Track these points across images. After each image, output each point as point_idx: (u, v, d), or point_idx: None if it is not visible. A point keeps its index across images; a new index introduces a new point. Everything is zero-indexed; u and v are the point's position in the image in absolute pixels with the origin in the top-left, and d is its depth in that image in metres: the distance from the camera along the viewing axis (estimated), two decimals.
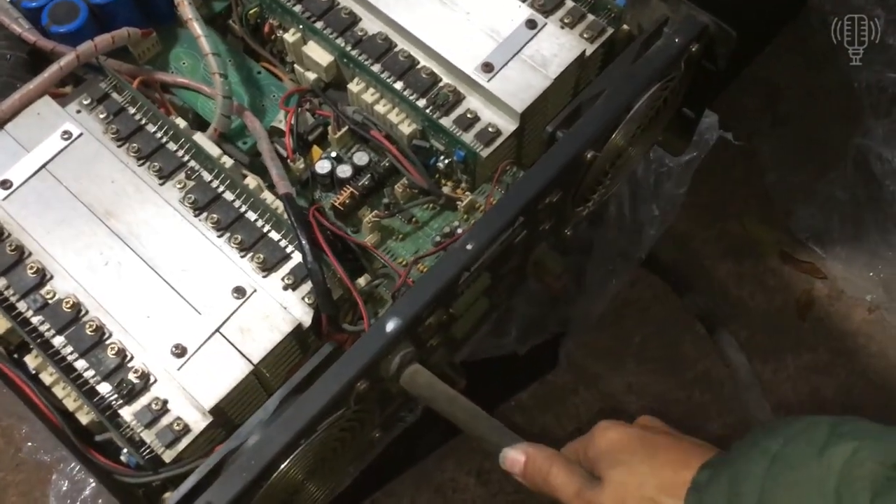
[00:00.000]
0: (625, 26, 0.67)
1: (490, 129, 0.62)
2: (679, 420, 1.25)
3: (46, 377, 0.57)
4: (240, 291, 0.57)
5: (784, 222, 1.41)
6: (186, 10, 0.65)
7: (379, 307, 0.61)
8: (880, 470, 0.39)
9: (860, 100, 1.29)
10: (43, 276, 0.58)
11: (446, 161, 0.63)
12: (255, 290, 0.57)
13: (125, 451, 0.55)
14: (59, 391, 0.57)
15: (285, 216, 0.59)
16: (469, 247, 0.56)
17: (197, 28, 0.64)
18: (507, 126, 0.62)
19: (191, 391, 0.54)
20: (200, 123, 0.67)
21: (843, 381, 1.33)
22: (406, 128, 0.63)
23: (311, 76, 0.68)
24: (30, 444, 0.90)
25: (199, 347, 0.55)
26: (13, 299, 0.57)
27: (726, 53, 0.64)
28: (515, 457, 0.52)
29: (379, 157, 0.64)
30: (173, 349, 0.55)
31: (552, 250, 0.65)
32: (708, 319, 1.32)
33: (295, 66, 0.69)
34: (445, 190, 0.64)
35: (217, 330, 0.56)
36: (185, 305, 0.57)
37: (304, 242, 0.57)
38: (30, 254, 0.59)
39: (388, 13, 0.65)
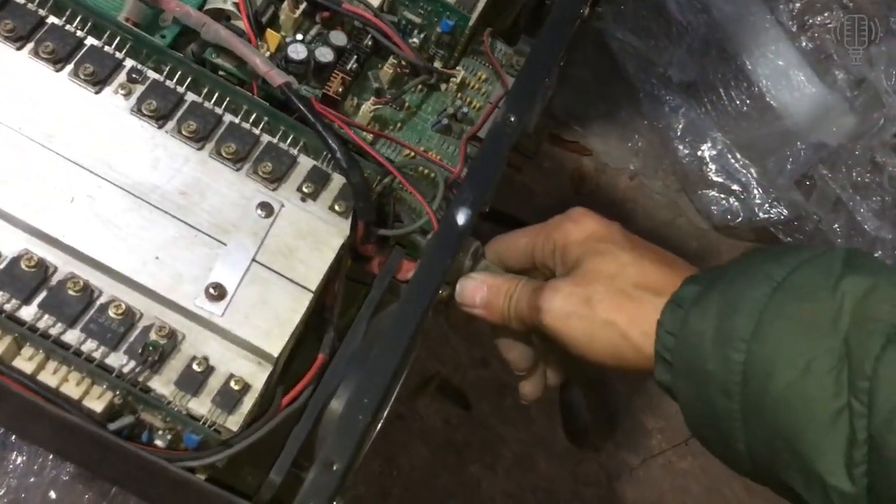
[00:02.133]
0: None
1: None
2: None
3: (22, 363, 0.41)
4: (266, 208, 0.45)
5: (547, 107, 1.46)
6: None
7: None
8: None
9: None
10: None
11: (421, 36, 0.55)
12: (282, 205, 0.46)
13: (159, 433, 0.42)
14: (47, 377, 0.41)
15: (270, 112, 0.48)
16: (512, 118, 0.50)
17: None
18: None
19: (244, 337, 0.43)
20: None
21: None
22: None
23: None
24: None
25: (239, 284, 0.43)
26: None
27: None
28: (475, 286, 0.46)
29: (354, 36, 0.54)
30: (210, 291, 0.42)
31: None
32: None
33: None
34: None
35: (253, 259, 0.44)
36: (201, 237, 0.44)
37: (330, 140, 0.46)
38: None
39: None
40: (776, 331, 0.35)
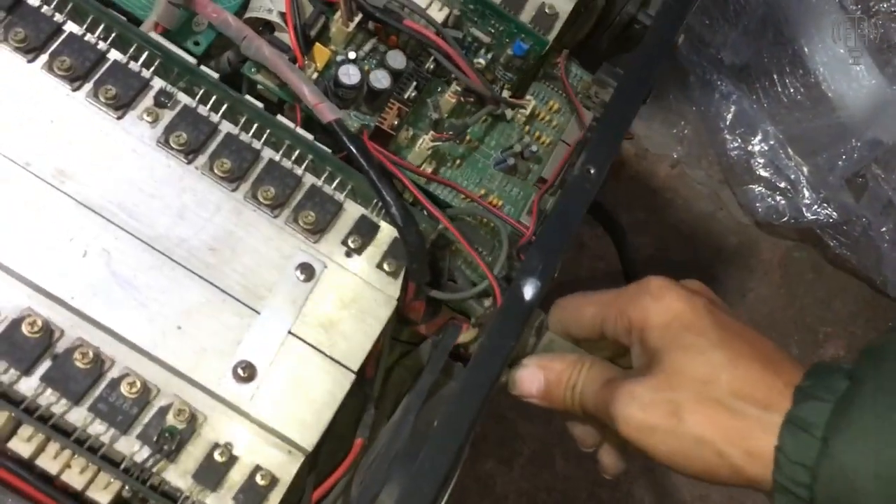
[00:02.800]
0: None
1: (547, 11, 0.48)
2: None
3: (19, 445, 0.35)
4: (306, 270, 0.39)
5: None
6: None
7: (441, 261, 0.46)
8: None
9: None
10: None
11: (488, 56, 0.48)
12: (325, 266, 0.40)
13: None
14: (47, 461, 0.36)
15: (317, 150, 0.41)
16: (592, 171, 0.43)
17: None
18: (565, 3, 0.49)
19: (274, 427, 0.37)
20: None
21: (657, 236, 1.38)
22: (437, 13, 0.47)
23: None
24: None
25: (272, 362, 0.37)
26: None
27: None
28: (532, 374, 0.40)
29: (414, 57, 0.47)
30: (239, 371, 0.37)
31: None
32: None
33: None
34: None
35: (290, 331, 0.38)
36: (232, 303, 0.38)
37: (385, 192, 0.40)
38: None
39: None
40: None
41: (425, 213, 0.43)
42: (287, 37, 0.44)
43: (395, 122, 0.45)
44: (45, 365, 0.36)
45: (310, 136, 0.42)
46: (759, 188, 1.35)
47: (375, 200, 0.42)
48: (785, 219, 1.33)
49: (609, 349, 0.41)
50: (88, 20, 0.40)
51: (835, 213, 1.32)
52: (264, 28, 0.45)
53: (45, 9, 0.40)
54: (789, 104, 1.37)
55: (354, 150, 0.40)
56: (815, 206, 1.33)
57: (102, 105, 0.39)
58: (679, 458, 0.36)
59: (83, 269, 0.37)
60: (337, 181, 0.42)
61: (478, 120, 0.47)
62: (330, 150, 0.42)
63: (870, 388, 0.33)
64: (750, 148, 1.34)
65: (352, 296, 0.40)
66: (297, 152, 0.41)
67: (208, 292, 0.38)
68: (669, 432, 0.36)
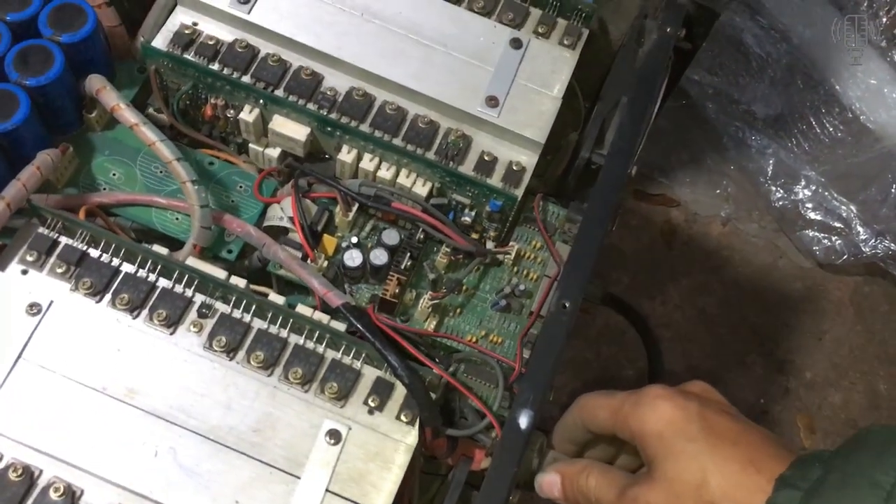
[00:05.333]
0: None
1: (515, 168, 0.56)
2: (595, 377, 1.28)
3: None
4: (335, 436, 0.47)
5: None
6: (128, 115, 0.52)
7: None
8: None
9: None
10: (73, 497, 0.45)
11: (472, 213, 0.57)
12: (350, 428, 0.48)
13: None
14: None
15: (332, 330, 0.50)
16: (567, 305, 0.50)
17: (149, 133, 0.52)
18: (529, 159, 0.57)
19: None
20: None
21: (721, 295, 1.41)
22: (421, 188, 0.56)
23: (273, 153, 0.58)
24: None
25: None
26: None
27: (705, 32, 0.63)
28: (551, 479, 0.47)
29: (406, 230, 0.55)
30: None
31: None
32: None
33: (250, 145, 0.58)
34: None
35: (327, 489, 0.46)
36: (277, 473, 0.46)
37: (390, 357, 0.48)
38: (40, 472, 0.45)
39: (357, 63, 0.57)
40: None
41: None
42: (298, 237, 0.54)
43: (397, 291, 0.53)
44: None
45: (325, 320, 0.51)
46: (813, 232, 1.37)
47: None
48: (845, 257, 1.35)
49: (609, 452, 0.47)
50: (138, 259, 0.50)
51: (893, 245, 1.33)
52: (280, 233, 0.55)
53: (104, 257, 0.50)
54: (831, 143, 1.39)
55: (360, 328, 0.49)
56: (872, 241, 1.35)
57: (157, 326, 0.49)
58: None
59: (157, 467, 0.46)
60: (353, 351, 0.50)
61: (469, 272, 0.55)
62: (343, 329, 0.50)
63: (837, 477, 0.36)
64: (794, 196, 1.37)
65: (375, 450, 0.48)
66: (317, 333, 0.50)
67: (257, 468, 0.46)
68: None
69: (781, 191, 1.37)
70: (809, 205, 1.37)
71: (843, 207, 1.36)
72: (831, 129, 1.40)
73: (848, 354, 1.36)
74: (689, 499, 0.40)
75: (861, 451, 0.37)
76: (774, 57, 1.42)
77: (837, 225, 1.36)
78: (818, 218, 1.37)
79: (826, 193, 1.36)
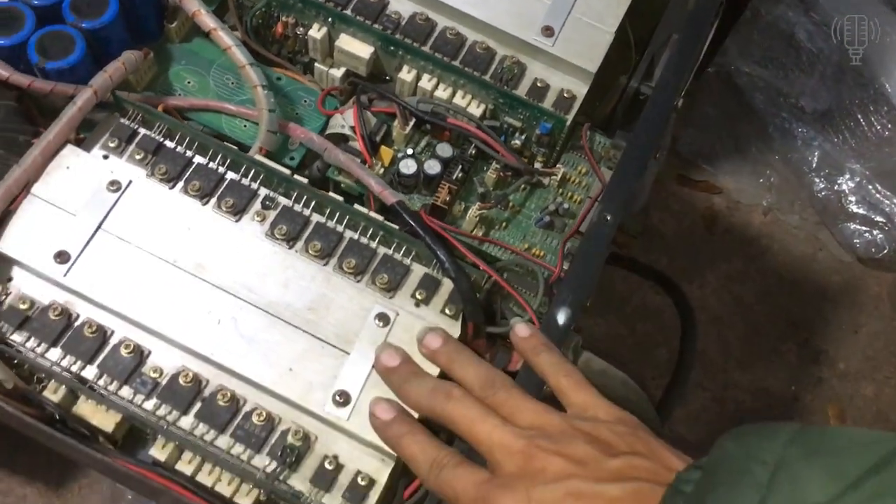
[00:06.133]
0: None
1: (566, 95, 0.59)
2: (630, 353, 1.29)
3: (183, 466, 0.48)
4: (383, 319, 0.51)
5: (673, 147, 1.47)
6: (207, 20, 0.56)
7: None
8: None
9: None
10: (141, 355, 0.49)
11: (522, 137, 0.60)
12: (397, 314, 0.51)
13: None
14: (204, 477, 0.48)
15: (386, 227, 0.53)
16: (608, 217, 0.53)
17: (226, 38, 0.56)
18: (580, 88, 0.60)
19: (368, 439, 0.48)
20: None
21: (759, 283, 1.42)
22: (475, 109, 0.59)
23: (337, 73, 0.61)
24: None
25: (361, 389, 0.49)
26: (113, 388, 0.48)
27: None
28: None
29: (458, 148, 0.59)
30: (336, 398, 0.48)
31: None
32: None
33: (315, 64, 0.62)
34: None
35: (373, 366, 0.50)
36: (328, 348, 0.50)
37: (439, 252, 0.51)
38: (112, 332, 0.49)
39: None
40: None
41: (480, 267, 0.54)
42: (358, 144, 0.57)
43: (448, 198, 0.56)
44: (197, 406, 0.48)
45: (380, 217, 0.54)
46: (855, 225, 1.38)
47: (435, 261, 0.53)
48: (885, 251, 1.36)
49: None
50: (210, 152, 0.54)
51: None
52: (341, 140, 0.58)
53: (178, 148, 0.54)
54: (878, 141, 1.40)
55: (413, 224, 0.52)
56: None
57: (224, 213, 0.53)
58: None
59: (219, 333, 0.49)
60: (404, 249, 0.54)
61: (516, 189, 0.58)
62: (397, 227, 0.54)
63: (717, 476, 0.33)
64: (838, 187, 1.38)
65: (418, 334, 0.51)
66: (371, 230, 0.54)
67: (310, 341, 0.50)
68: None
69: (825, 182, 1.38)
70: (852, 198, 1.38)
71: (886, 202, 1.37)
72: (879, 128, 1.41)
73: (883, 348, 1.37)
74: None
75: (742, 437, 0.34)
76: (826, 53, 1.43)
77: (880, 219, 1.36)
78: (860, 211, 1.37)
79: (870, 187, 1.37)
